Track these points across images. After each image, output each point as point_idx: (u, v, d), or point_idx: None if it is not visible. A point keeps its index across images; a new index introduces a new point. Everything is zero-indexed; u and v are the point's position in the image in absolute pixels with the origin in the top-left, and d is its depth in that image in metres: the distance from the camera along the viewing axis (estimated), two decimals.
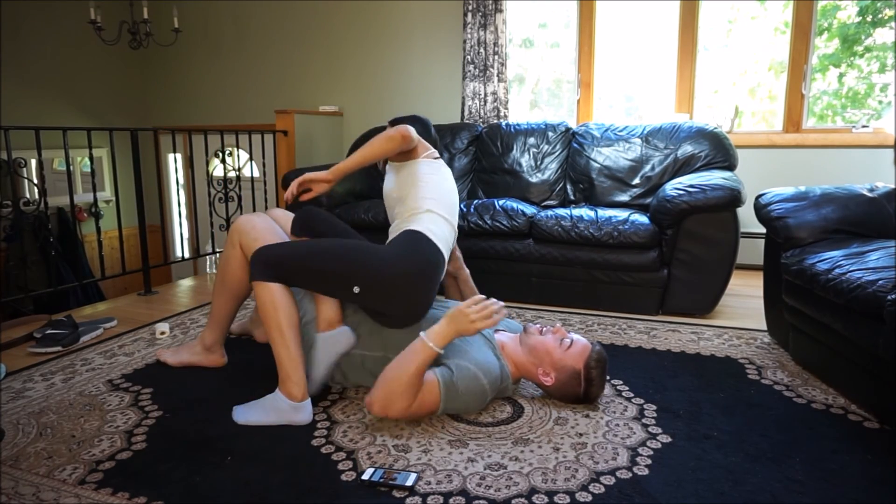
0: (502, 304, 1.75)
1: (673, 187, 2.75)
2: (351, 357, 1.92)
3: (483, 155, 3.66)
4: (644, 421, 1.77)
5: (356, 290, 1.79)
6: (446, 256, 1.98)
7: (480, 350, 1.80)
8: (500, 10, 3.86)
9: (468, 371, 1.72)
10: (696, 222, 2.67)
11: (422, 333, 1.69)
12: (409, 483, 1.43)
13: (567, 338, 1.82)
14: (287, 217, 2.29)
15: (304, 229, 1.97)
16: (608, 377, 2.06)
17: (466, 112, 4.01)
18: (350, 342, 1.88)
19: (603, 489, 1.43)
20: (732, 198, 2.60)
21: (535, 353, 1.82)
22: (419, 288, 1.84)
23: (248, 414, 1.77)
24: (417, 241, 1.88)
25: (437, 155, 2.19)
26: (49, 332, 2.42)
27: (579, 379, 1.79)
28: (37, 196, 2.95)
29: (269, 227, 2.03)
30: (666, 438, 1.66)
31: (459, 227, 2.98)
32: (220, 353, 2.18)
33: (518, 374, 1.89)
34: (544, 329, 1.86)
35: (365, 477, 1.46)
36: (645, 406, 1.86)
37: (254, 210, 4.08)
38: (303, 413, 1.74)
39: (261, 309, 1.80)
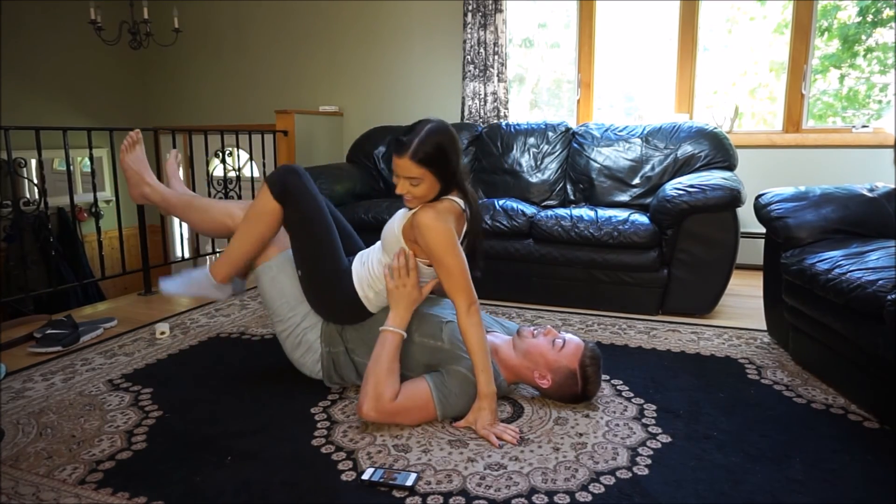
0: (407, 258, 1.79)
1: (673, 187, 2.75)
2: (341, 358, 1.94)
3: (483, 155, 3.65)
4: (644, 421, 1.77)
5: (300, 273, 1.92)
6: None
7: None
8: (500, 10, 3.86)
9: (458, 373, 1.73)
10: (696, 222, 2.67)
11: (382, 328, 1.77)
12: (409, 483, 1.43)
13: (559, 338, 1.81)
14: None
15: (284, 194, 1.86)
16: (609, 377, 2.07)
17: (466, 112, 4.01)
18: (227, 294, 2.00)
19: (603, 489, 1.43)
20: (732, 198, 2.60)
21: (530, 357, 1.82)
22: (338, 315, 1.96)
23: (170, 284, 1.93)
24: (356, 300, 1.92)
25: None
26: (49, 331, 2.42)
27: (576, 378, 1.79)
28: (37, 196, 2.95)
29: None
30: (666, 438, 1.66)
31: None
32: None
33: (513, 379, 1.88)
34: (536, 331, 1.85)
35: (365, 477, 1.46)
36: (645, 406, 1.86)
37: None
38: (223, 291, 1.97)
39: (252, 207, 1.89)
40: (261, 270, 1.97)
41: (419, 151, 1.66)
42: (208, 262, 1.93)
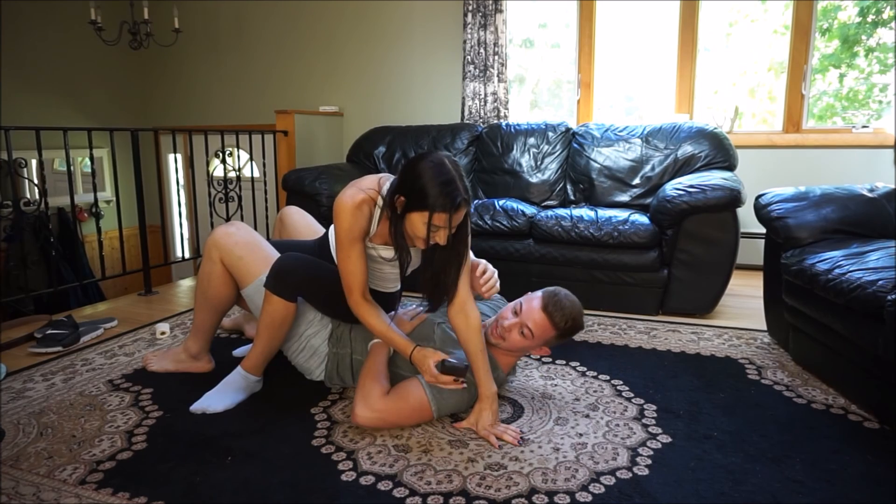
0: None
1: (673, 187, 2.75)
2: (346, 360, 1.94)
3: (483, 155, 3.66)
4: (644, 421, 1.77)
5: (321, 305, 1.94)
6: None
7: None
8: (500, 11, 3.86)
9: None
10: (696, 222, 2.67)
11: (371, 342, 1.84)
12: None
13: (523, 328, 1.75)
14: (301, 216, 2.29)
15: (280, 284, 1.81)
16: (609, 377, 2.07)
17: (466, 112, 4.01)
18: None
19: (603, 489, 1.43)
20: (732, 198, 2.60)
21: (515, 349, 1.83)
22: None
23: (221, 399, 1.85)
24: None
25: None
26: (49, 332, 2.42)
27: (556, 336, 1.77)
28: (37, 196, 2.95)
29: (250, 239, 1.96)
30: (666, 438, 1.66)
31: None
32: (206, 359, 2.14)
33: (512, 362, 1.88)
34: (499, 330, 1.80)
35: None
36: (645, 406, 1.86)
37: (254, 211, 4.08)
38: (261, 383, 1.98)
39: (268, 316, 1.81)
40: (253, 290, 1.92)
41: (467, 193, 1.62)
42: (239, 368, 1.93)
